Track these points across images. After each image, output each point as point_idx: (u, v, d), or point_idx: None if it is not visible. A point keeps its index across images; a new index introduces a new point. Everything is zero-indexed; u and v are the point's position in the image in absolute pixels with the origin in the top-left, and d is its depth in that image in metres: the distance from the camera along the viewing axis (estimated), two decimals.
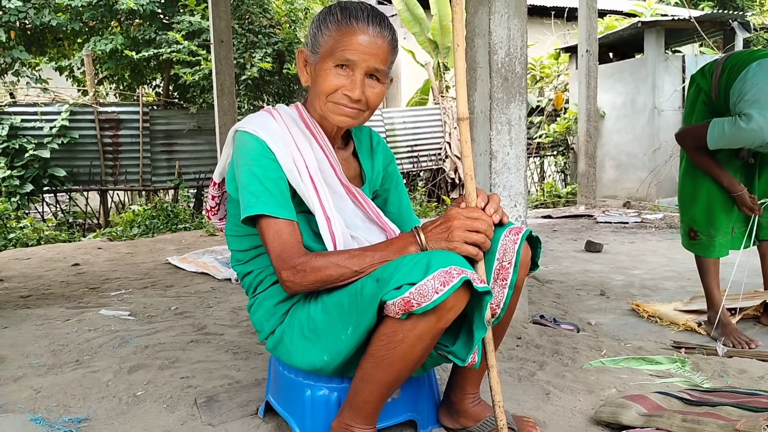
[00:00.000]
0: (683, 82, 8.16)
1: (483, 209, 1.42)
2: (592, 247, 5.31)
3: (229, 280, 4.08)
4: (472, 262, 1.40)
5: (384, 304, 1.32)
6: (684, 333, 2.91)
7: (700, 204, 2.81)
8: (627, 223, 6.97)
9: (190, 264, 4.56)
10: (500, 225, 1.47)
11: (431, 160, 10.14)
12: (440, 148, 10.11)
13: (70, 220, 7.87)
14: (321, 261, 1.40)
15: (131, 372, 2.22)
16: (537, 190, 10.48)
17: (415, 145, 9.94)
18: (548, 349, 2.44)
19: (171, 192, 8.57)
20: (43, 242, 6.63)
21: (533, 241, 1.53)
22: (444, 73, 10.37)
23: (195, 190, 8.54)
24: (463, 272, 1.28)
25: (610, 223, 7.05)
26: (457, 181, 10.02)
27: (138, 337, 2.67)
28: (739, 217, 2.83)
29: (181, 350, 2.49)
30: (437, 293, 1.25)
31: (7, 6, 7.34)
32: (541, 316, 2.94)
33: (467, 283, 1.29)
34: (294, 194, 1.51)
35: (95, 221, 8.27)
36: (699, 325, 2.95)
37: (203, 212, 8.25)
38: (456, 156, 9.91)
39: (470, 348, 1.39)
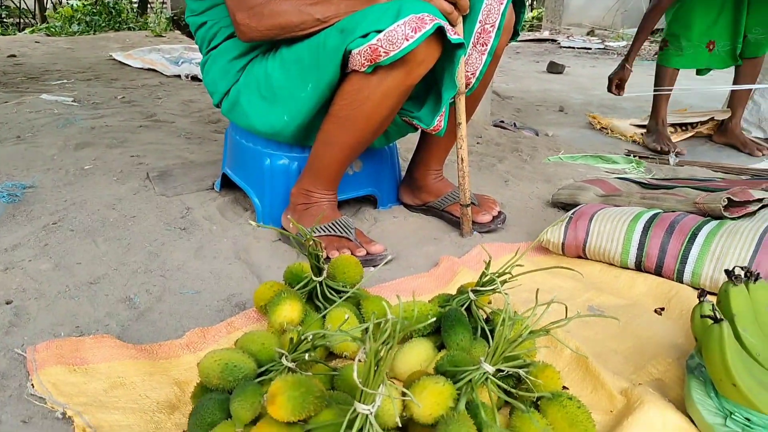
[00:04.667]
0: None
1: None
2: (554, 69, 5.23)
3: (179, 76, 3.87)
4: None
5: (349, 55, 1.22)
6: (637, 147, 2.96)
7: (680, 8, 2.72)
8: (590, 48, 6.86)
9: (136, 60, 4.29)
10: None
11: None
12: None
13: (3, 15, 7.23)
14: (281, 5, 1.27)
15: (77, 149, 2.12)
16: None
17: None
18: (508, 147, 2.43)
19: None
20: None
21: (517, 6, 1.43)
22: None
23: None
24: (436, 19, 1.18)
25: (574, 48, 6.93)
26: None
27: (84, 119, 2.53)
28: (723, 33, 2.75)
29: (130, 133, 2.38)
30: (408, 40, 1.16)
31: None
32: (501, 121, 2.92)
33: (440, 33, 1.20)
34: None
35: (30, 19, 7.63)
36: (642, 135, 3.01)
37: (147, 14, 7.68)
38: None
39: (437, 111, 1.33)
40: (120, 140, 2.25)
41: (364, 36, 1.18)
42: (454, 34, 1.21)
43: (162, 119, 2.67)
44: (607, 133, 3.19)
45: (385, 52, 1.17)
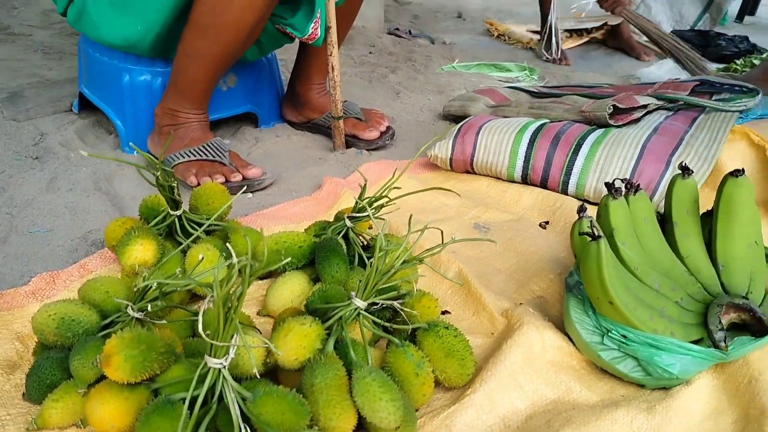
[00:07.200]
0: None
1: None
2: None
3: None
4: None
5: None
6: (531, 52, 2.92)
7: None
8: None
9: None
10: None
11: None
12: None
13: None
14: None
15: None
16: None
17: None
18: (402, 57, 2.32)
19: None
20: None
21: None
22: None
23: None
24: None
25: None
26: None
27: None
28: None
29: None
30: None
31: None
32: (396, 29, 2.79)
33: None
34: None
35: None
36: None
37: None
38: None
39: (312, 17, 1.21)
40: None
41: None
42: None
43: (17, 32, 2.36)
44: (505, 40, 3.13)
45: None
